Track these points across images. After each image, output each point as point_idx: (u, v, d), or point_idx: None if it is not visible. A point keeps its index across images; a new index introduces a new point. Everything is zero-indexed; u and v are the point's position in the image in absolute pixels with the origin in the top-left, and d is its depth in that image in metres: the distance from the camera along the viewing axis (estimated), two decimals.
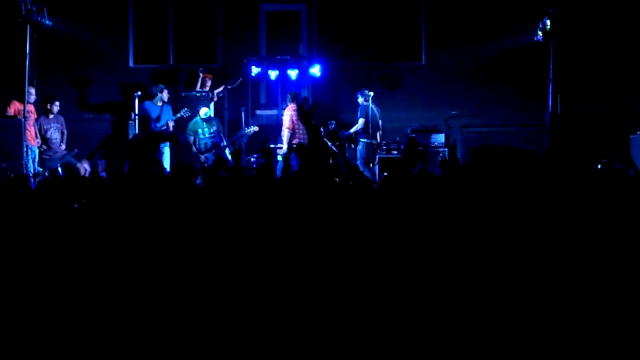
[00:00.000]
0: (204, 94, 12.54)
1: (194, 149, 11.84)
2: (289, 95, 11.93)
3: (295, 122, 11.43)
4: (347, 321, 3.26)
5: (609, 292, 3.23)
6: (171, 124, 11.60)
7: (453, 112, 13.62)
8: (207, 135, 11.86)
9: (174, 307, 3.39)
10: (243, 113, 12.55)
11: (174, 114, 11.94)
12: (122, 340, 3.24)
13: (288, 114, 11.57)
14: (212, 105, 12.37)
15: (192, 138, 11.87)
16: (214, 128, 11.93)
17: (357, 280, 3.44)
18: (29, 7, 10.40)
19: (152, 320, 3.33)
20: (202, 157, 11.71)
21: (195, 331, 3.28)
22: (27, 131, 10.73)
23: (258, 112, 13.69)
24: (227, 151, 11.86)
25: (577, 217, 3.71)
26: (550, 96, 10.72)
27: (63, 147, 11.61)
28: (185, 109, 11.84)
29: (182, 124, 11.98)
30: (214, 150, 11.78)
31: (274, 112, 13.73)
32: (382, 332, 3.20)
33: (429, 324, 3.20)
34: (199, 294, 3.46)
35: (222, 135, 12.04)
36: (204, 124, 11.87)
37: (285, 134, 11.54)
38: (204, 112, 11.86)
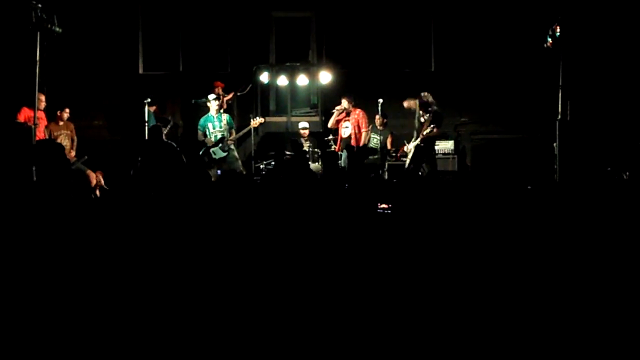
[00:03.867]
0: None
1: (206, 143, 11.96)
2: (349, 98, 12.00)
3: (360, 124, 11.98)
4: (349, 320, 3.25)
5: (610, 293, 3.21)
6: None
7: (462, 119, 13.60)
8: (217, 129, 11.96)
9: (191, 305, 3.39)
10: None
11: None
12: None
13: (358, 117, 11.96)
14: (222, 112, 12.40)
15: (200, 132, 12.05)
16: (223, 122, 11.99)
17: (358, 279, 3.43)
18: (39, 14, 10.42)
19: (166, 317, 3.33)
20: (211, 151, 11.83)
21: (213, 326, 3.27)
22: (37, 138, 10.75)
23: (267, 119, 13.70)
24: (232, 146, 11.97)
25: (585, 222, 3.70)
26: (559, 103, 10.66)
27: (73, 153, 11.62)
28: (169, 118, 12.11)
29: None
30: (220, 145, 11.85)
31: (283, 118, 13.76)
32: (383, 332, 3.19)
33: (430, 323, 3.19)
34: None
35: (233, 130, 12.10)
36: (214, 117, 11.96)
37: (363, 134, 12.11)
38: (211, 97, 11.98)
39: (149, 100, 11.93)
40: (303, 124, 12.53)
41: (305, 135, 12.49)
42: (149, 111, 12.06)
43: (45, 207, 3.88)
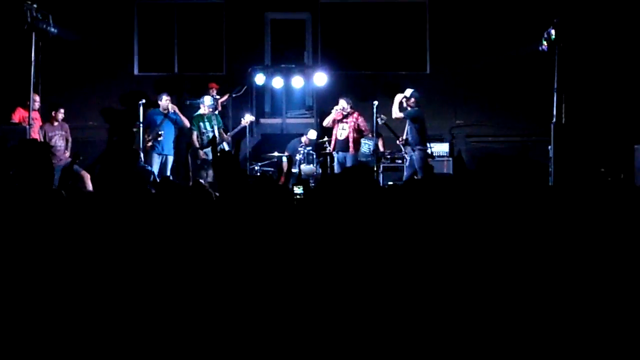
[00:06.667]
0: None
1: (196, 144, 11.83)
2: (347, 100, 11.97)
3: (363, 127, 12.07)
4: (349, 322, 3.24)
5: (610, 297, 3.21)
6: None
7: (457, 122, 13.63)
8: (209, 129, 11.86)
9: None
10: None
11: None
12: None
13: (356, 120, 12.03)
14: (216, 113, 12.34)
15: (195, 133, 11.89)
16: (215, 122, 11.90)
17: (359, 281, 3.42)
18: (34, 14, 10.40)
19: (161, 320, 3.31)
20: (202, 152, 11.72)
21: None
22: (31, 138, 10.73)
23: (262, 120, 13.70)
24: (225, 145, 11.82)
25: (580, 225, 3.69)
26: (554, 106, 10.70)
27: (67, 154, 11.58)
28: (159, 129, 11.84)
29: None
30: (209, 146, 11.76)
31: (278, 120, 13.77)
32: (384, 333, 3.18)
33: (431, 325, 3.18)
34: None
35: (222, 130, 11.99)
36: (206, 117, 11.87)
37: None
38: (208, 100, 11.89)
39: (143, 101, 11.87)
40: (313, 134, 12.58)
41: (307, 142, 12.50)
42: (144, 112, 12.01)
43: (26, 208, 3.84)
